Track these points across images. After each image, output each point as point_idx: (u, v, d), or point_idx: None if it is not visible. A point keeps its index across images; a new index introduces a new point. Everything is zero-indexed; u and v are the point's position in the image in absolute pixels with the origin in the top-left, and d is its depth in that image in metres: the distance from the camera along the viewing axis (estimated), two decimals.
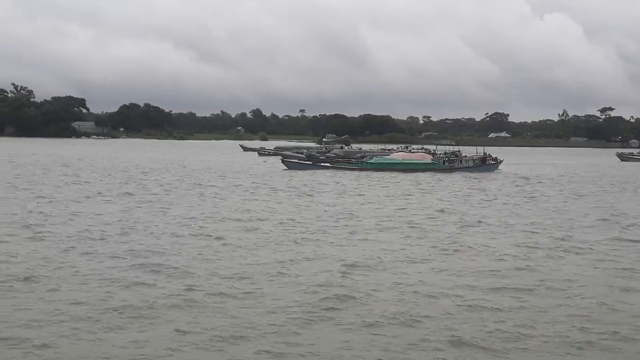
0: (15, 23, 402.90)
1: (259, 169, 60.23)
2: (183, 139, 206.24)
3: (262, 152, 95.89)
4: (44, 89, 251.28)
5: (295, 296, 12.33)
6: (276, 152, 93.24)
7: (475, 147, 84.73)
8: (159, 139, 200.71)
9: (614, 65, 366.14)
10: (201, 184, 39.77)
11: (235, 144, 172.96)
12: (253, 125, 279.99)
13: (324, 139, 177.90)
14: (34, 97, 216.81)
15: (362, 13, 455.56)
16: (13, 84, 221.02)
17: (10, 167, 53.19)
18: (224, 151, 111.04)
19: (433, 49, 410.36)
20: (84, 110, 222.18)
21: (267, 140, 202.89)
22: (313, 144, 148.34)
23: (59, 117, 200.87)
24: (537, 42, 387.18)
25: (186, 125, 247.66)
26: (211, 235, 19.22)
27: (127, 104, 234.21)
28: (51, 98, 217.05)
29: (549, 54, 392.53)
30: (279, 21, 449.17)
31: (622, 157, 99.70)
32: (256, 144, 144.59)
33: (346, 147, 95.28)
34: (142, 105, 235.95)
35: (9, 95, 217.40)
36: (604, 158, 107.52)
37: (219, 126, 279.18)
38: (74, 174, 46.58)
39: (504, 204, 30.72)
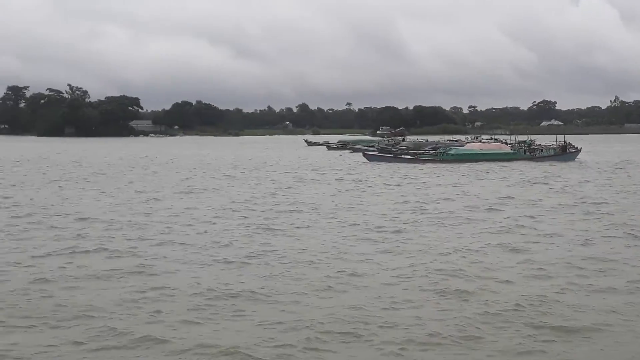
0: (54, 26, 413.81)
1: (340, 162, 62.34)
2: (238, 135, 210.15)
3: (330, 146, 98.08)
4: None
5: None
6: (344, 145, 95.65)
7: (527, 135, 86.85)
8: (215, 135, 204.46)
9: None
10: (304, 179, 41.08)
11: (290, 138, 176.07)
12: (299, 120, 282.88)
13: (377, 132, 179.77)
14: (89, 98, 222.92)
15: (396, 4, 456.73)
16: (69, 84, 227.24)
17: (120, 167, 56.29)
18: (288, 146, 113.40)
19: (469, 38, 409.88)
20: (139, 110, 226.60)
21: (319, 134, 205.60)
22: (366, 137, 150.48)
23: (117, 117, 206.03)
24: (574, 28, 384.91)
25: (234, 122, 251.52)
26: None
27: (180, 102, 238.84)
28: (105, 98, 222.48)
29: (586, 39, 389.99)
30: (314, 15, 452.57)
31: None
32: (317, 138, 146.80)
33: (400, 139, 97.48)
34: (194, 102, 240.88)
35: (65, 96, 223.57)
36: None
37: (265, 122, 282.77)
38: (222, 173, 47.40)
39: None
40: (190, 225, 21.05)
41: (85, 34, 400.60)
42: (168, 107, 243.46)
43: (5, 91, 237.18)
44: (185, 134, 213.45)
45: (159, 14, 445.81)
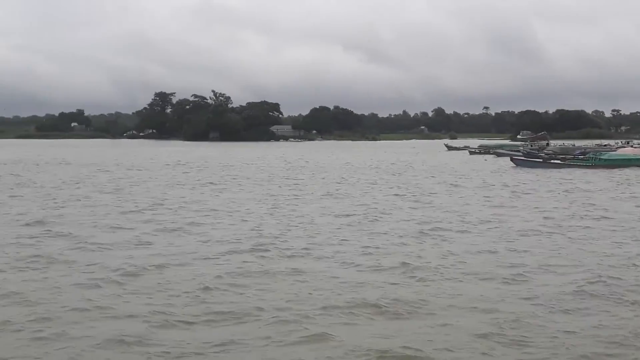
0: (194, 33, 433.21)
1: (487, 167, 62.04)
2: (375, 139, 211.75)
3: (473, 150, 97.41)
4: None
5: None
6: (487, 150, 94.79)
7: None
8: (352, 140, 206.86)
9: None
10: (456, 184, 40.89)
11: (427, 143, 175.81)
12: (434, 124, 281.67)
13: (518, 136, 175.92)
14: (232, 103, 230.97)
15: (531, 6, 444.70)
16: (213, 90, 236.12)
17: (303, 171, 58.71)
18: (428, 150, 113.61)
19: (609, 40, 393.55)
20: (279, 115, 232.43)
21: (456, 138, 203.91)
22: (507, 142, 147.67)
23: (259, 122, 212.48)
24: None
25: (369, 126, 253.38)
26: None
27: (317, 107, 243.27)
28: (246, 104, 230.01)
29: None
30: (446, 18, 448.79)
31: None
32: (457, 142, 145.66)
33: (544, 144, 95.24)
34: (331, 107, 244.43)
35: (209, 101, 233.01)
36: None
37: (400, 126, 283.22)
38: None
39: None
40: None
41: (224, 41, 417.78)
42: (303, 112, 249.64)
43: (153, 97, 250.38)
44: (323, 138, 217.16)
45: (294, 21, 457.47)
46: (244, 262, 15.78)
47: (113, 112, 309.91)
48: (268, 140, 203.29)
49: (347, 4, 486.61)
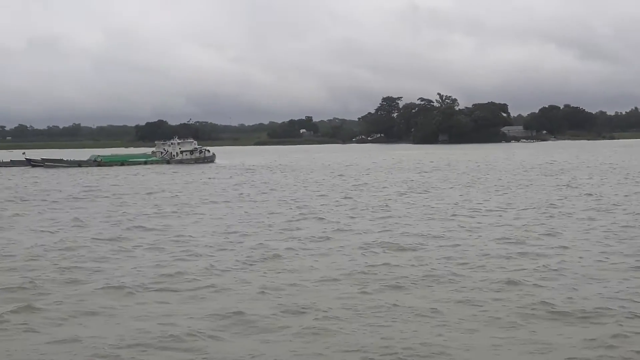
0: (402, 38, 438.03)
1: None
2: (613, 138, 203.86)
3: None
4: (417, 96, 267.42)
5: None
6: None
7: None
8: (588, 139, 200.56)
9: None
10: None
11: None
12: None
13: None
14: (458, 105, 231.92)
15: None
16: (439, 93, 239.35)
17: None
18: None
19: None
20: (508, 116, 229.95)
21: None
22: None
23: (489, 123, 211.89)
24: None
25: (600, 125, 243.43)
26: None
27: (547, 106, 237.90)
28: (472, 105, 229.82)
29: None
30: None
31: None
32: None
33: None
34: (561, 106, 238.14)
35: (435, 104, 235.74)
36: None
37: (631, 124, 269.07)
38: None
39: None
40: None
41: (431, 44, 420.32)
42: (519, 112, 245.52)
43: (380, 102, 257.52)
44: (556, 138, 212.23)
45: (504, 21, 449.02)
46: None
47: (332, 118, 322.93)
48: (499, 141, 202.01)
49: (562, 2, 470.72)
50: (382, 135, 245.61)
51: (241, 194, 41.22)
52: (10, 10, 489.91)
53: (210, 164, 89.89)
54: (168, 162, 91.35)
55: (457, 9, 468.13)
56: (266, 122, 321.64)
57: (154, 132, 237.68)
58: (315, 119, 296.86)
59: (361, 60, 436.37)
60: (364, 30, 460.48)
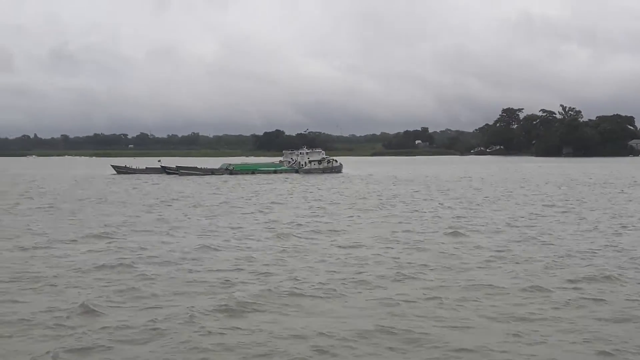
0: (515, 48, 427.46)
1: None
2: None
3: None
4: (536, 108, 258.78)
5: None
6: None
7: None
8: None
9: None
10: None
11: None
12: None
13: None
14: (582, 117, 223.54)
15: None
16: (561, 105, 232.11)
17: None
18: None
19: None
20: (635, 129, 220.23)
21: None
22: None
23: (616, 136, 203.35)
24: None
25: None
26: None
27: None
28: (596, 117, 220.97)
29: None
30: None
31: None
32: None
33: None
34: None
35: (557, 116, 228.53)
36: None
37: None
38: None
39: None
40: None
41: (546, 54, 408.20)
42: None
43: (499, 114, 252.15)
44: None
45: (620, 31, 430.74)
46: None
47: (444, 129, 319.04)
48: (627, 155, 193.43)
49: None
50: (501, 147, 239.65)
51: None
52: (132, 21, 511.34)
53: (337, 174, 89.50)
54: (297, 172, 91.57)
55: (572, 18, 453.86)
56: (375, 132, 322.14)
57: (271, 141, 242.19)
58: (425, 128, 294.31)
59: (472, 70, 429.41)
60: (475, 40, 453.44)
